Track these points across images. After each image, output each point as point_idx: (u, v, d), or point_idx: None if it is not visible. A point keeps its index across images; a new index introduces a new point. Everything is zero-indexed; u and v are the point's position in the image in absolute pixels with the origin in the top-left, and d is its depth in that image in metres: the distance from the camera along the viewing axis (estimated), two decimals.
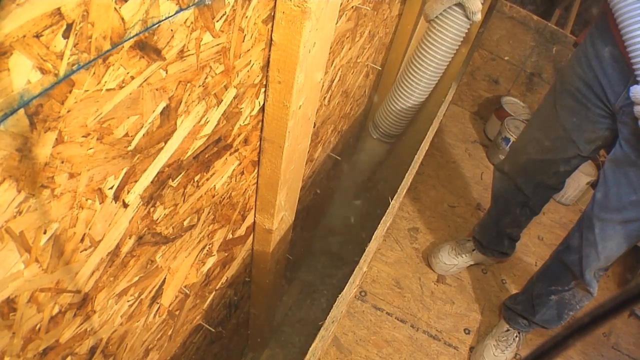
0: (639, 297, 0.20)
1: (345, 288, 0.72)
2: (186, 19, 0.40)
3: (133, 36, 0.35)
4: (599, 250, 1.04)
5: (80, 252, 0.42)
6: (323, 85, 0.87)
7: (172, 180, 0.52)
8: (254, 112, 0.64)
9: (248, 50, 0.53)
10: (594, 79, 1.01)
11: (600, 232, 1.02)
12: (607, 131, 1.07)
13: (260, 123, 0.68)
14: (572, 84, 1.07)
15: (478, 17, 1.06)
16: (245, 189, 0.76)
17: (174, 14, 0.38)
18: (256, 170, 0.76)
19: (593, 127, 1.07)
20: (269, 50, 0.57)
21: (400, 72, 1.31)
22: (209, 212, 0.67)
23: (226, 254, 0.83)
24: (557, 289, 1.20)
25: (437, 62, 1.18)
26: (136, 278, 0.55)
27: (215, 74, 0.50)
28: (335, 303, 0.70)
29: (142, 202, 0.48)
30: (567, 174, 1.23)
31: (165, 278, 0.63)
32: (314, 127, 0.83)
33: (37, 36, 0.28)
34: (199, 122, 0.52)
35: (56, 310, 0.42)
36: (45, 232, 0.36)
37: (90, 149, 0.37)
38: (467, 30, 1.14)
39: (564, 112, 1.11)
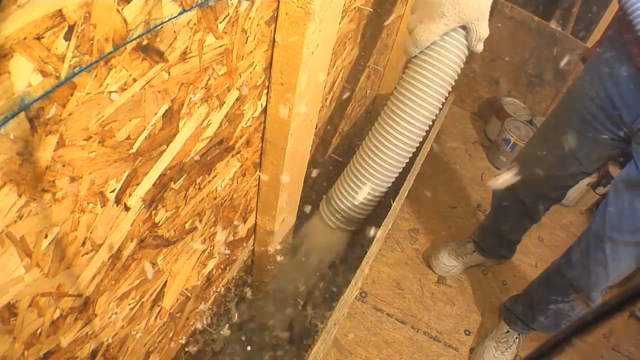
0: (638, 295, 0.19)
1: (347, 290, 0.71)
2: (189, 20, 0.40)
3: (136, 38, 0.35)
4: (609, 271, 1.02)
5: (82, 256, 0.41)
6: (325, 87, 0.87)
7: (174, 183, 0.52)
8: (256, 114, 0.64)
9: (251, 52, 0.53)
10: (607, 100, 0.98)
11: (612, 253, 1.00)
12: (614, 150, 1.05)
13: (262, 125, 0.67)
14: (581, 104, 1.05)
15: (481, 47, 0.81)
16: (247, 191, 0.76)
17: (177, 16, 0.38)
18: (258, 172, 0.75)
19: (600, 147, 1.06)
20: (272, 52, 0.57)
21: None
22: (210, 215, 0.66)
23: (227, 256, 0.82)
24: (557, 299, 1.19)
25: (433, 100, 0.81)
26: (137, 281, 0.54)
27: (218, 75, 0.49)
28: (337, 306, 0.69)
29: (143, 205, 0.47)
30: (570, 187, 1.22)
31: (166, 281, 0.62)
32: (315, 128, 0.82)
33: (38, 38, 0.27)
34: (201, 124, 0.51)
35: (57, 314, 0.42)
36: (46, 237, 0.35)
37: (92, 152, 0.36)
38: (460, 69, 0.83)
39: (571, 132, 1.09)
